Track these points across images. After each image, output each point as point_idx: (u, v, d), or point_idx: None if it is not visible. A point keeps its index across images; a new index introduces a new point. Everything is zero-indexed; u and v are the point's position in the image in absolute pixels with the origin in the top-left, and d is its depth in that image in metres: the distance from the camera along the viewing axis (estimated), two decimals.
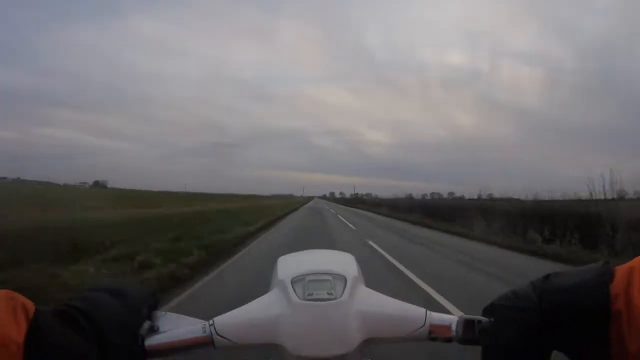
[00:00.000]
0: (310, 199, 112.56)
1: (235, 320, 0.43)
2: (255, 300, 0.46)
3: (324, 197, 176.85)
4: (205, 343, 0.43)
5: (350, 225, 15.35)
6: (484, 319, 0.43)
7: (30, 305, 0.34)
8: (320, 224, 15.80)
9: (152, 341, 0.42)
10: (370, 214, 28.64)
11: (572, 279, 0.39)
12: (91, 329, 0.37)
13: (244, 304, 0.45)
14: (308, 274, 0.46)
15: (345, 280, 0.45)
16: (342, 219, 19.47)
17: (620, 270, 0.37)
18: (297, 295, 0.43)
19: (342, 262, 0.52)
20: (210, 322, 0.44)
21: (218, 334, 0.42)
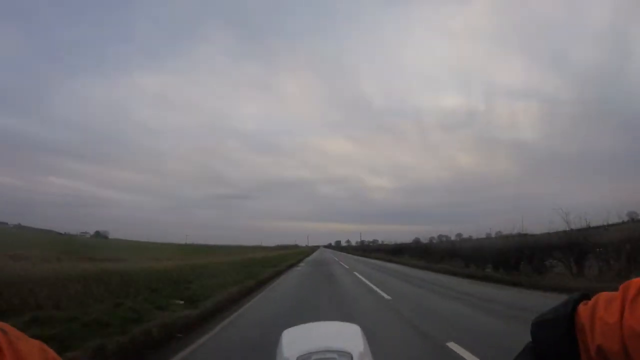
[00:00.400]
0: (315, 248, 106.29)
1: None
2: None
3: (329, 246, 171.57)
4: None
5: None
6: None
7: (45, 348, 0.36)
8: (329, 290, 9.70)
9: None
10: (393, 265, 22.79)
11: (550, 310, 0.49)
12: None
13: None
14: (313, 352, 0.45)
15: (351, 357, 0.45)
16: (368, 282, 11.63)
17: (585, 307, 0.46)
18: None
19: (348, 336, 0.50)
20: None
21: None
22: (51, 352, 0.36)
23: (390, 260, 28.53)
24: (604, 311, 0.43)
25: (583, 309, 0.46)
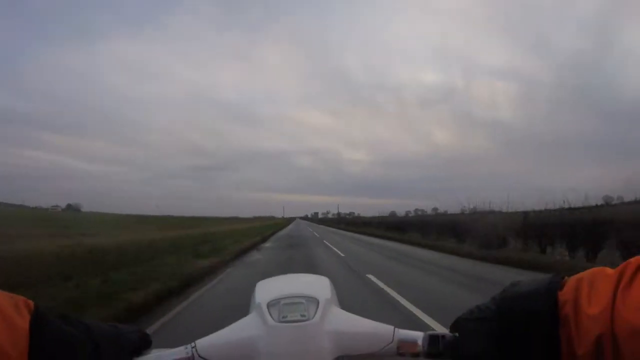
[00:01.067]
0: (291, 220, 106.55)
1: (215, 342, 0.47)
2: (235, 323, 0.49)
3: (305, 218, 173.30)
4: None
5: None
6: (448, 334, 0.46)
7: (30, 302, 0.39)
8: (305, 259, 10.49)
9: None
10: (365, 237, 23.05)
11: (525, 287, 0.42)
12: (86, 332, 0.42)
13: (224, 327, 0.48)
14: (283, 298, 0.49)
15: (318, 302, 0.49)
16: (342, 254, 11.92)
17: (571, 279, 0.41)
18: (272, 317, 0.47)
19: (316, 285, 0.55)
20: (193, 344, 0.46)
21: (200, 356, 0.45)
22: (20, 296, 0.39)
23: (359, 232, 28.40)
24: (586, 300, 0.38)
25: (563, 296, 0.40)
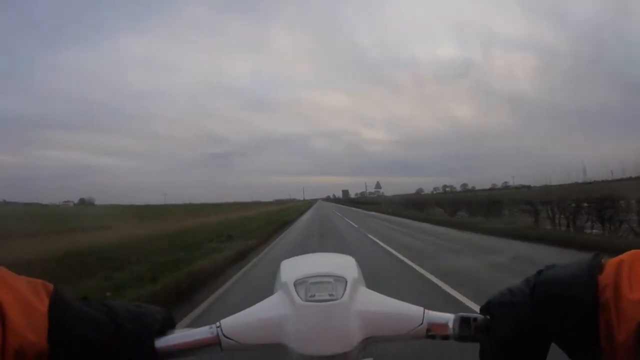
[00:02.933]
0: (312, 203, 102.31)
1: (241, 322, 0.47)
2: (260, 302, 0.49)
3: (327, 199, 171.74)
4: (213, 344, 0.45)
5: None
6: (480, 316, 0.45)
7: (49, 285, 0.40)
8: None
9: (161, 343, 0.44)
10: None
11: (563, 271, 0.42)
12: (107, 313, 0.42)
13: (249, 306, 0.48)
14: (310, 277, 0.49)
15: (346, 281, 0.48)
16: None
17: (610, 263, 0.40)
18: (299, 296, 0.46)
19: (343, 265, 0.54)
20: (217, 324, 0.46)
21: (225, 336, 0.45)
22: (39, 280, 0.40)
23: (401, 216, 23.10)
24: (629, 284, 0.37)
25: (603, 280, 0.38)
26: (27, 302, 0.37)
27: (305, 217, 26.74)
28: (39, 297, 0.38)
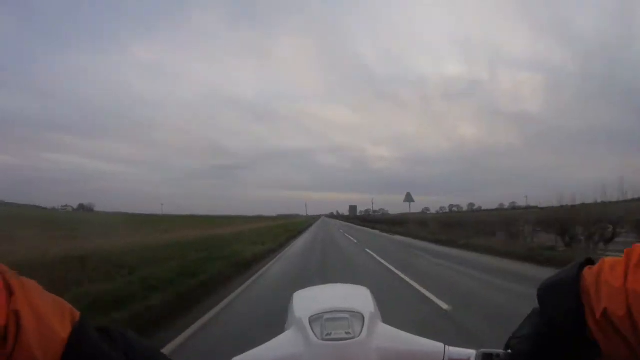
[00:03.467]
0: (316, 218, 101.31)
1: None
2: (273, 340, 0.47)
3: (331, 216, 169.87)
4: None
5: None
6: (502, 352, 0.45)
7: (76, 312, 0.39)
8: None
9: None
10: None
11: (554, 277, 0.49)
12: (125, 351, 0.41)
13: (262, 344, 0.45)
14: (325, 312, 0.47)
15: (363, 317, 0.46)
16: None
17: (599, 261, 0.48)
18: (315, 334, 0.45)
19: (359, 298, 0.54)
20: None
21: None
22: (69, 305, 0.39)
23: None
24: (608, 275, 0.44)
25: (588, 272, 0.47)
26: (47, 324, 0.35)
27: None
28: (63, 322, 0.37)
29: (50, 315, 0.36)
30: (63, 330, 0.36)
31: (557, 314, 0.46)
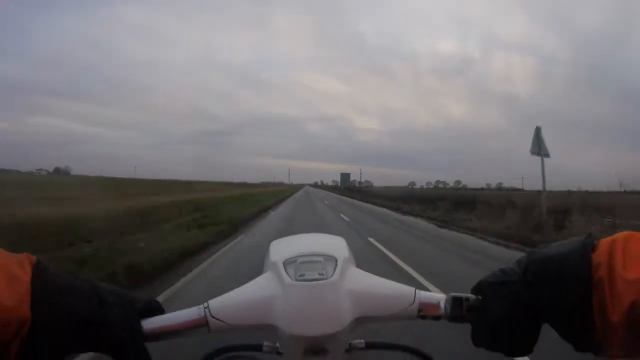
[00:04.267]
0: (299, 187, 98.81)
1: (229, 303, 0.46)
2: (249, 283, 0.49)
3: (315, 186, 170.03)
4: (200, 325, 0.45)
5: None
6: (471, 296, 0.46)
7: (32, 257, 0.41)
8: None
9: (147, 324, 0.44)
10: None
11: (555, 249, 0.42)
12: (91, 288, 0.42)
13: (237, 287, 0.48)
14: (300, 256, 0.49)
15: (336, 261, 0.48)
16: None
17: (604, 241, 0.40)
18: (289, 276, 0.46)
19: (333, 245, 0.54)
20: (205, 304, 0.46)
21: (213, 316, 0.45)
22: (22, 254, 0.40)
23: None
24: (622, 263, 0.37)
25: (597, 258, 0.38)
26: (9, 272, 0.37)
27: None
28: (23, 268, 0.38)
29: (11, 265, 0.38)
30: (25, 275, 0.38)
31: (554, 305, 0.39)
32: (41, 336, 0.37)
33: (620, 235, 0.39)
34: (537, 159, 9.41)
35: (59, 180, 47.43)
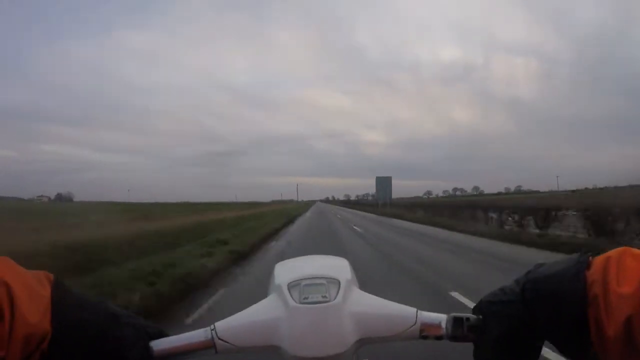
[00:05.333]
0: (309, 205, 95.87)
1: (235, 324, 0.49)
2: (254, 305, 0.51)
3: (326, 201, 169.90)
4: (207, 347, 0.47)
5: None
6: (472, 316, 0.47)
7: (49, 274, 0.43)
8: None
9: (157, 345, 0.47)
10: None
11: (551, 269, 0.44)
12: (106, 308, 0.45)
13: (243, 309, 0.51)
14: (303, 279, 0.51)
15: (339, 283, 0.50)
16: None
17: (598, 259, 0.42)
18: (293, 299, 0.48)
19: (336, 267, 0.56)
20: (212, 326, 0.48)
21: (219, 338, 0.47)
22: (41, 271, 0.43)
23: None
24: (616, 279, 0.39)
25: (591, 276, 0.41)
26: (32, 289, 0.40)
27: None
28: (42, 285, 0.41)
29: (32, 281, 0.40)
30: (45, 291, 0.41)
31: (552, 323, 0.41)
32: (60, 349, 0.40)
33: (615, 251, 0.41)
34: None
35: (71, 207, 46.96)
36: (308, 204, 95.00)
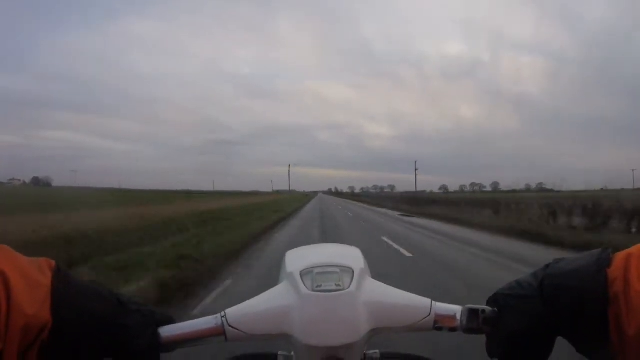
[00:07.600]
0: (311, 196, 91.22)
1: (246, 312, 0.49)
2: (265, 292, 0.51)
3: (329, 193, 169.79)
4: (217, 334, 0.48)
5: None
6: (488, 308, 0.48)
7: (51, 261, 0.43)
8: None
9: (165, 332, 0.47)
10: None
11: (571, 264, 0.44)
12: (110, 293, 0.46)
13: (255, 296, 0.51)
14: (316, 267, 0.51)
15: (353, 272, 0.50)
16: None
17: (619, 255, 0.42)
18: (306, 286, 0.48)
19: (349, 255, 0.57)
20: (222, 313, 0.49)
21: (230, 325, 0.48)
22: (42, 258, 0.43)
23: None
24: (638, 277, 0.39)
25: (612, 273, 0.41)
26: (30, 277, 0.40)
27: None
28: (42, 273, 0.41)
29: (31, 270, 0.40)
30: (45, 279, 0.40)
31: (570, 320, 0.41)
32: (62, 339, 0.40)
33: (636, 247, 0.41)
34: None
35: (70, 193, 47.06)
36: (309, 196, 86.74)
